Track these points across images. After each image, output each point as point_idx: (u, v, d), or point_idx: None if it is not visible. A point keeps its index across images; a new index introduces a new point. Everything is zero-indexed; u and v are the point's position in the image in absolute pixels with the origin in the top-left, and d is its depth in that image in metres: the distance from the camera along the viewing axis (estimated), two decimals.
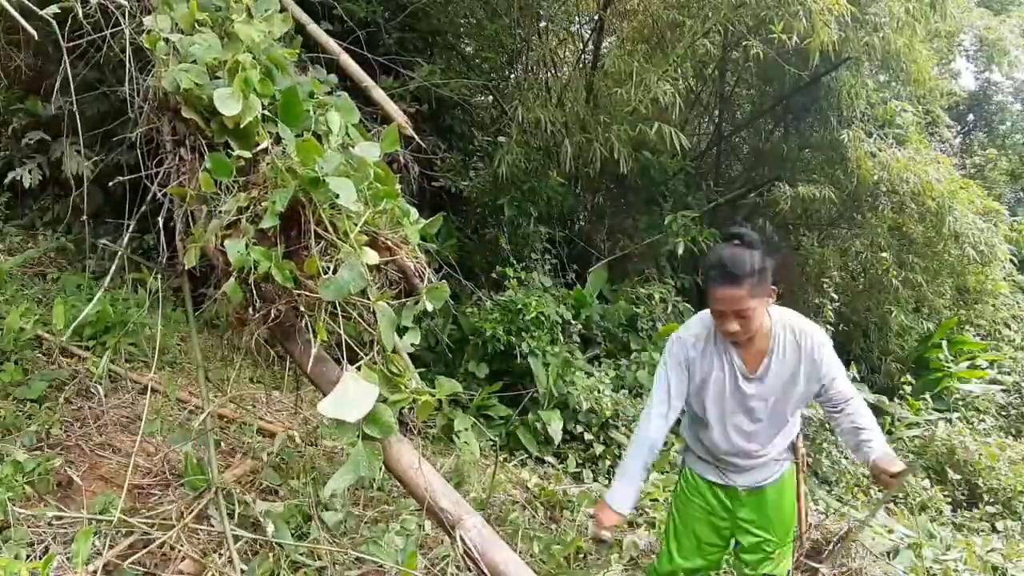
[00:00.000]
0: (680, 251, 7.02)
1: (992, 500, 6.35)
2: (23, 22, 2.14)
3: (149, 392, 3.56)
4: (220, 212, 2.22)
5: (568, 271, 7.09)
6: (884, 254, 7.89)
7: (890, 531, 4.58)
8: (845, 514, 4.98)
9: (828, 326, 7.74)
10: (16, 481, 2.77)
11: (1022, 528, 6.02)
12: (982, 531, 5.78)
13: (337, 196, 2.10)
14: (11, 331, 3.71)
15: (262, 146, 2.31)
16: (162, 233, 2.52)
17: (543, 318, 5.64)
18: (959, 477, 6.64)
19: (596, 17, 7.20)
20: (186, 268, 2.35)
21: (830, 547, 3.89)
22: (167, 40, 2.44)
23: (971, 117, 13.44)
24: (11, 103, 5.29)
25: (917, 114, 8.63)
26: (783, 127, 8.92)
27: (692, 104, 8.53)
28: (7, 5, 2.12)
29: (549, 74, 7.71)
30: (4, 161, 5.24)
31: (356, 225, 2.18)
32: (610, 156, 6.23)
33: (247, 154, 2.29)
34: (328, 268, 2.12)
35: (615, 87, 6.19)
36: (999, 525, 5.96)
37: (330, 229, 2.17)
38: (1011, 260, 9.32)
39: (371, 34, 5.49)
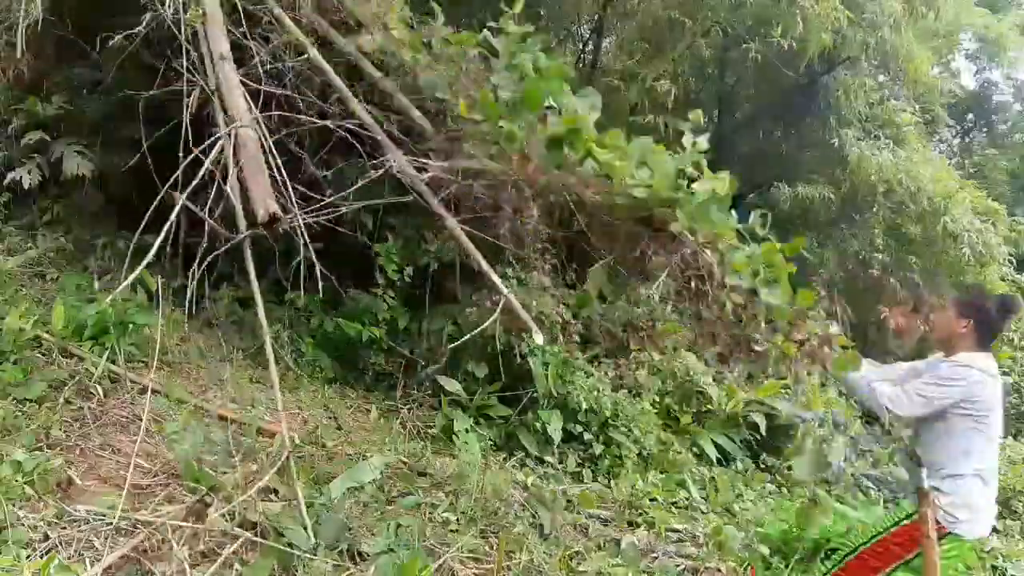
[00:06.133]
0: None
1: None
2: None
3: (149, 392, 3.56)
4: None
5: (568, 271, 7.07)
6: (882, 254, 7.89)
7: None
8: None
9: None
10: (16, 481, 2.77)
11: (1022, 528, 6.02)
12: None
13: None
14: (11, 331, 3.71)
15: None
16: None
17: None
18: None
19: (596, 17, 7.19)
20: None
21: None
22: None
23: (971, 117, 13.43)
24: (11, 103, 5.27)
25: (915, 114, 8.62)
26: (782, 127, 8.91)
27: (691, 104, 8.52)
28: None
29: None
30: (4, 161, 5.22)
31: None
32: None
33: None
34: None
35: (615, 87, 6.19)
36: (999, 525, 5.97)
37: None
38: (1009, 260, 9.33)
39: None
